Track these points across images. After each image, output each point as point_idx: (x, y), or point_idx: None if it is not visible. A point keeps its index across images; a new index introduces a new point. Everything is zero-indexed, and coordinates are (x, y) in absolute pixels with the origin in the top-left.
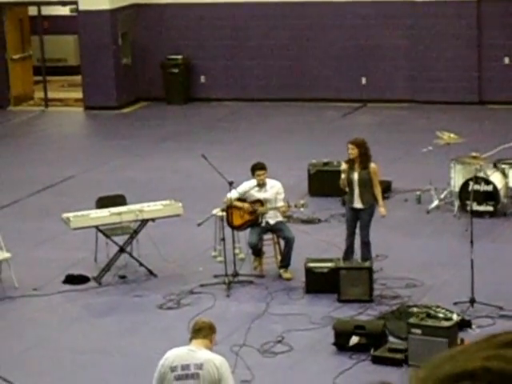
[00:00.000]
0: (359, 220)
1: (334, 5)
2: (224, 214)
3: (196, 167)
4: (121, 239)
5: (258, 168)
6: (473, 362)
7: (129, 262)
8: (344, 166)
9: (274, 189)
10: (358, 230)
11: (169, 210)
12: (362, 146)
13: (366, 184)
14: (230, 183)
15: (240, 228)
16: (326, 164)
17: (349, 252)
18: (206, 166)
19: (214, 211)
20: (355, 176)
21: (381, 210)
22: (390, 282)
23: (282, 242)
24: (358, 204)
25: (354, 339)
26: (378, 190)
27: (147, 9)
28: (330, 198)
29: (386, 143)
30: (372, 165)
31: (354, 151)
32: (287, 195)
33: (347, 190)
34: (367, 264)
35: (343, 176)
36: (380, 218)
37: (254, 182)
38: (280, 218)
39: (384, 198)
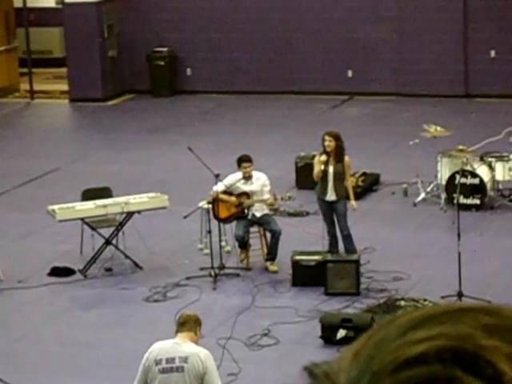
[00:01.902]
0: (335, 213)
1: None
2: (210, 206)
3: (182, 160)
4: (106, 231)
5: (243, 160)
6: (416, 345)
7: (114, 255)
8: (324, 158)
9: (259, 181)
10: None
11: (155, 203)
12: (339, 139)
13: (340, 177)
14: (217, 176)
15: (226, 220)
16: (314, 157)
17: (333, 244)
18: (192, 158)
19: (201, 204)
20: (330, 169)
21: (352, 203)
22: (377, 275)
23: (269, 235)
24: (331, 197)
25: (342, 332)
26: (349, 184)
27: (133, 1)
28: None
29: (372, 136)
30: (346, 158)
31: (331, 143)
32: (274, 188)
33: (318, 182)
34: (354, 257)
35: (322, 167)
36: (367, 211)
37: (239, 174)
38: (266, 211)
39: (372, 190)
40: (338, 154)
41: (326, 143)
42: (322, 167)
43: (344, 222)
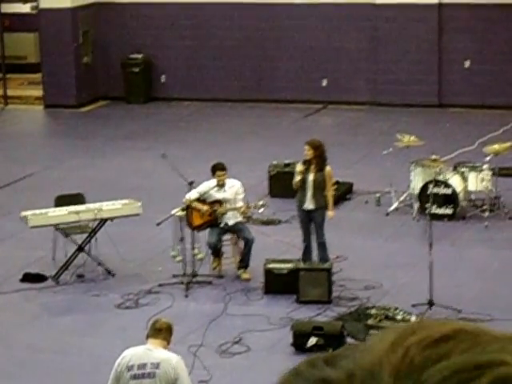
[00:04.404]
0: (312, 221)
1: (295, 6)
2: (183, 213)
3: (156, 167)
4: (79, 238)
5: (218, 168)
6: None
7: (87, 261)
8: (301, 168)
9: (233, 189)
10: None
11: (128, 210)
12: (318, 148)
13: (320, 186)
14: (190, 183)
15: (199, 228)
16: (286, 165)
17: (307, 253)
18: (165, 165)
19: (174, 211)
20: (310, 177)
21: (330, 213)
22: (348, 284)
23: (242, 243)
24: (310, 205)
25: (313, 340)
26: (330, 194)
27: (108, 7)
28: (291, 199)
29: (346, 145)
30: (327, 168)
31: (309, 152)
32: (247, 196)
33: (298, 190)
34: (326, 265)
35: (299, 177)
36: (340, 220)
37: (213, 182)
38: (239, 219)
39: (345, 199)
40: (318, 163)
41: (305, 152)
42: (299, 177)
43: (321, 230)
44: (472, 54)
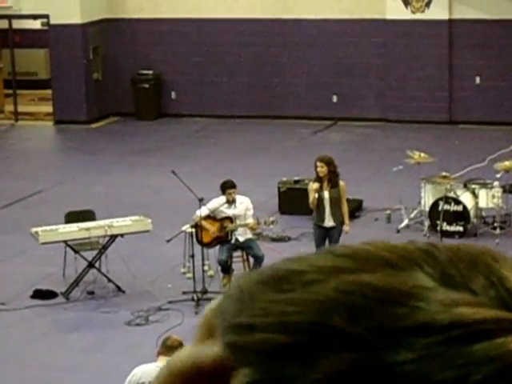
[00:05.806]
0: (328, 238)
1: (305, 22)
2: (193, 230)
3: (166, 183)
4: (89, 254)
5: (228, 186)
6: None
7: (97, 278)
8: (316, 186)
9: (243, 205)
10: None
11: (138, 226)
12: (331, 164)
13: (337, 202)
14: (200, 199)
15: (209, 245)
16: (296, 182)
17: None
18: (175, 181)
19: (184, 227)
20: (326, 194)
21: (346, 228)
22: None
23: (252, 260)
24: (329, 222)
25: None
26: (345, 208)
27: (119, 24)
28: (301, 216)
29: (356, 162)
30: (341, 183)
31: (323, 169)
32: (257, 212)
33: (315, 209)
34: None
35: (316, 195)
36: (350, 237)
37: (223, 198)
38: (250, 236)
39: (355, 216)
40: (331, 179)
41: (318, 169)
42: (316, 195)
43: None
44: (483, 70)
